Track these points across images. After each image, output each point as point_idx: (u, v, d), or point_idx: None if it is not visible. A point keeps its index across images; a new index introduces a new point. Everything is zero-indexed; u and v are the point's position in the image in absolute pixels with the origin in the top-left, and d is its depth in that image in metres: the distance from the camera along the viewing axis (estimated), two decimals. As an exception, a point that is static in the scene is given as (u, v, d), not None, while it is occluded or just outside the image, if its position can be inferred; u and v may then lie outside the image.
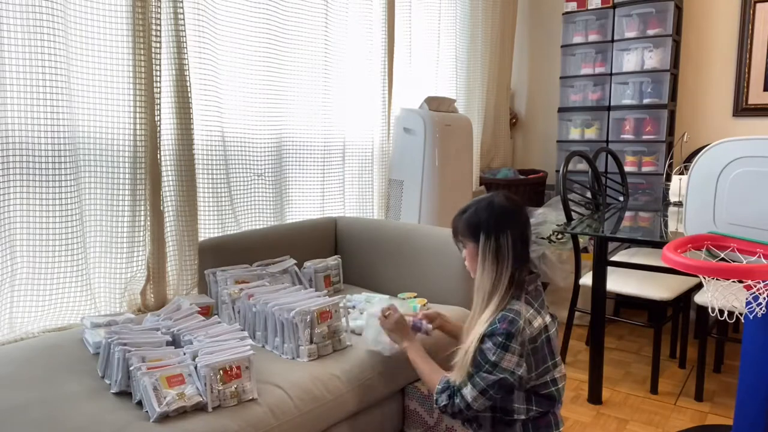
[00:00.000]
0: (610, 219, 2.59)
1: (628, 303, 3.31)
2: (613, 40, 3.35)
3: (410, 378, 1.78)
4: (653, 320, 2.44)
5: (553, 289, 3.33)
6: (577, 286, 2.73)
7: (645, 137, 3.30)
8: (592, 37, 3.43)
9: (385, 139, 2.84)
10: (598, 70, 3.44)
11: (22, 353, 1.50)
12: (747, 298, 1.44)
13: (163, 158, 1.87)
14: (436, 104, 2.92)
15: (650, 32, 3.22)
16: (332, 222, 2.52)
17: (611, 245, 2.51)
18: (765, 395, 1.62)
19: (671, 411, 2.25)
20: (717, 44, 3.29)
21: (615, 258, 2.54)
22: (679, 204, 2.73)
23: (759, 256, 1.44)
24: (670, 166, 3.20)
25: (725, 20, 3.25)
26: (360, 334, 1.77)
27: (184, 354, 1.38)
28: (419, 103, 2.91)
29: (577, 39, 3.50)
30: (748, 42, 3.16)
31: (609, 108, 3.40)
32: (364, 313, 1.71)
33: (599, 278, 2.28)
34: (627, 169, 3.30)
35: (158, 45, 1.79)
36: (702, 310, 2.25)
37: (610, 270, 2.43)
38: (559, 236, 2.90)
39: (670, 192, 2.84)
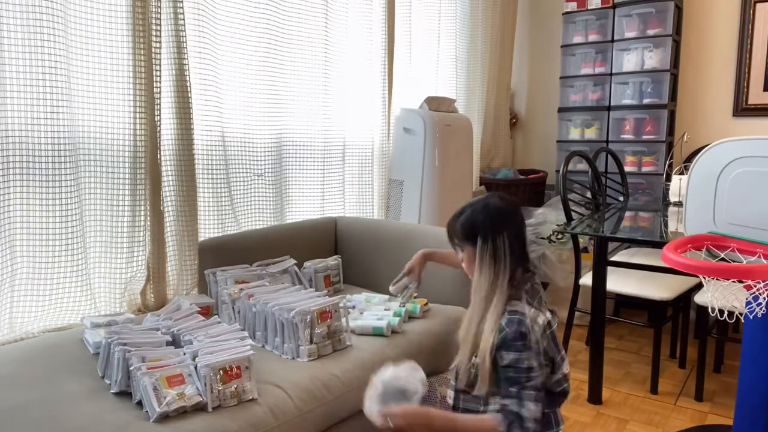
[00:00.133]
0: (610, 219, 2.59)
1: (628, 303, 3.31)
2: (613, 40, 3.35)
3: (410, 378, 1.78)
4: (653, 320, 2.44)
5: (553, 289, 3.33)
6: (577, 286, 2.73)
7: (645, 137, 3.30)
8: (592, 37, 3.43)
9: (385, 139, 2.84)
10: (598, 70, 3.44)
11: (22, 353, 1.50)
12: (747, 298, 1.44)
13: (163, 158, 1.87)
14: (436, 104, 2.92)
15: (650, 32, 3.22)
16: (332, 222, 2.52)
17: (611, 245, 2.51)
18: (765, 395, 1.62)
19: (671, 411, 2.25)
20: (717, 44, 3.29)
21: (615, 258, 2.54)
22: (679, 204, 2.73)
23: (759, 256, 1.44)
24: (670, 166, 3.20)
25: (725, 20, 3.25)
26: (360, 335, 1.77)
27: (184, 354, 1.38)
28: (419, 103, 2.91)
29: (577, 39, 3.50)
30: (748, 42, 3.16)
31: (609, 108, 3.40)
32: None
33: (599, 278, 2.28)
34: (627, 169, 3.30)
35: (158, 45, 1.79)
36: (702, 310, 2.25)
37: (610, 270, 2.43)
38: (559, 236, 2.89)
39: (670, 192, 2.84)
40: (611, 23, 3.35)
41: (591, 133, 3.51)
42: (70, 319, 1.75)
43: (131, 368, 1.30)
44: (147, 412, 1.25)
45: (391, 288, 1.83)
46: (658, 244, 2.24)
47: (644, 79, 3.28)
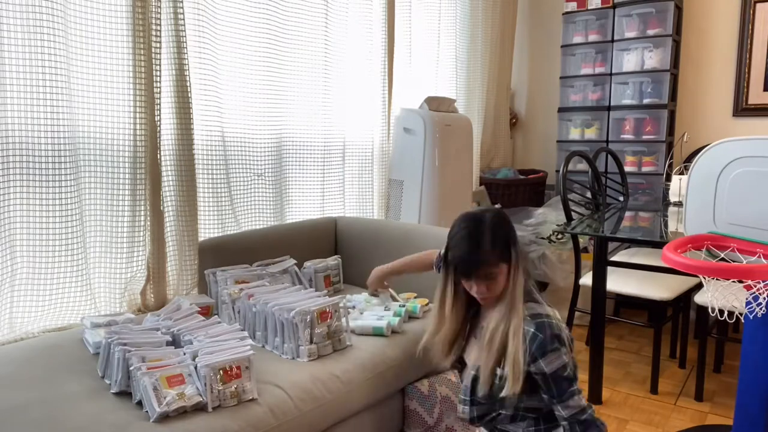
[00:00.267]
0: (610, 219, 2.59)
1: (628, 303, 3.31)
2: (613, 40, 3.35)
3: (410, 378, 1.78)
4: (653, 320, 2.44)
5: (553, 289, 3.33)
6: (577, 286, 2.73)
7: (645, 137, 3.30)
8: (592, 37, 3.43)
9: (385, 139, 2.84)
10: (598, 70, 3.44)
11: (22, 353, 1.50)
12: (747, 298, 1.44)
13: (163, 158, 1.87)
14: (436, 104, 2.92)
15: (650, 32, 3.22)
16: (332, 222, 2.52)
17: (611, 245, 2.51)
18: (765, 395, 1.62)
19: (671, 411, 2.25)
20: (717, 44, 3.29)
21: (615, 258, 2.54)
22: (679, 204, 2.73)
23: (759, 256, 1.44)
24: (670, 166, 3.20)
25: (725, 20, 3.25)
26: (360, 335, 1.77)
27: (184, 354, 1.38)
28: (419, 103, 2.91)
29: (577, 39, 3.50)
30: (748, 42, 3.16)
31: (609, 108, 3.40)
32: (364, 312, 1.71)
33: (599, 278, 2.28)
34: (627, 169, 3.30)
35: (158, 45, 1.79)
36: (702, 310, 2.25)
37: (610, 270, 2.43)
38: (559, 236, 2.90)
39: (670, 192, 2.84)
40: (611, 23, 3.35)
41: (591, 133, 3.51)
42: (70, 319, 1.75)
43: (131, 368, 1.30)
44: (147, 412, 1.25)
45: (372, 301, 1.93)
46: (658, 244, 2.24)
47: (644, 79, 3.28)
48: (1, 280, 1.58)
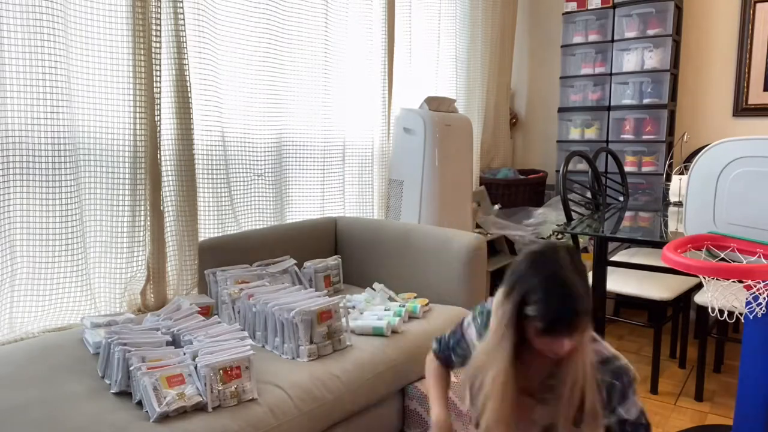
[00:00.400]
0: (610, 219, 2.58)
1: (628, 303, 3.31)
2: (613, 40, 3.35)
3: (410, 378, 1.78)
4: (653, 320, 2.44)
5: (553, 289, 3.32)
6: (577, 286, 2.72)
7: (645, 137, 3.30)
8: (592, 37, 3.43)
9: (385, 139, 2.84)
10: (598, 70, 3.44)
11: (22, 353, 1.50)
12: (747, 298, 1.44)
13: (163, 158, 1.87)
14: (436, 104, 2.92)
15: (650, 32, 3.22)
16: (332, 222, 2.52)
17: (611, 245, 2.51)
18: (765, 395, 1.62)
19: (671, 411, 2.25)
20: (717, 44, 3.29)
21: (615, 258, 2.54)
22: (679, 204, 2.73)
23: (759, 256, 1.44)
24: (670, 166, 3.20)
25: (725, 20, 3.25)
26: (360, 335, 1.77)
27: (184, 354, 1.38)
28: (419, 103, 2.91)
29: (577, 39, 3.50)
30: (748, 42, 3.16)
31: (609, 108, 3.40)
32: None
33: (599, 278, 2.28)
34: (627, 169, 3.30)
35: (158, 45, 1.79)
36: (702, 310, 2.25)
37: (610, 270, 2.43)
38: (559, 236, 2.90)
39: (670, 192, 2.84)
40: (611, 23, 3.35)
41: (591, 133, 3.51)
42: (70, 319, 1.75)
43: (131, 368, 1.30)
44: (147, 412, 1.25)
45: None
46: (658, 244, 2.23)
47: (644, 79, 3.28)
48: (1, 280, 1.58)
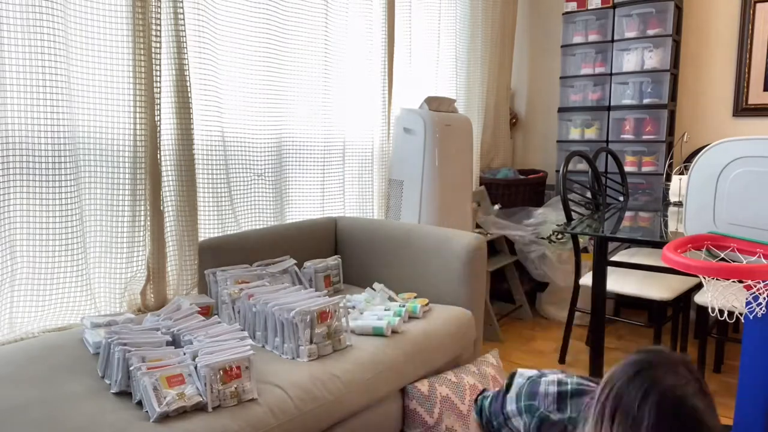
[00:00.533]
0: (610, 219, 2.58)
1: (628, 303, 3.31)
2: (613, 40, 3.35)
3: (410, 378, 1.78)
4: (653, 320, 2.44)
5: (553, 289, 3.33)
6: (577, 286, 2.73)
7: (645, 137, 3.30)
8: (592, 37, 3.43)
9: (385, 139, 2.84)
10: (598, 70, 3.44)
11: (22, 353, 1.50)
12: (747, 298, 1.44)
13: (163, 158, 1.87)
14: (436, 104, 2.92)
15: (650, 32, 3.22)
16: (332, 222, 2.52)
17: (611, 245, 2.51)
18: (765, 395, 1.62)
19: (671, 411, 2.25)
20: (717, 44, 3.29)
21: (615, 258, 2.54)
22: (679, 204, 2.73)
23: (759, 256, 1.44)
24: (670, 166, 3.20)
25: (725, 20, 3.25)
26: (360, 335, 1.77)
27: (184, 354, 1.38)
28: (419, 103, 2.91)
29: (577, 39, 3.50)
30: (748, 42, 3.16)
31: (609, 108, 3.40)
32: None
33: (599, 278, 2.27)
34: (627, 169, 3.30)
35: (158, 45, 1.79)
36: (702, 310, 2.25)
37: (610, 270, 2.43)
38: (559, 236, 2.90)
39: (670, 192, 2.83)
40: (611, 23, 3.35)
41: (591, 133, 3.51)
42: (70, 319, 1.75)
43: (131, 368, 1.30)
44: (147, 412, 1.25)
45: None
46: (658, 244, 2.23)
47: (644, 79, 3.28)
48: (1, 280, 1.58)
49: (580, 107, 3.52)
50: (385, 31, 2.75)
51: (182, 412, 1.26)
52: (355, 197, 2.80)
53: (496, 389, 1.27)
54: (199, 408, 1.29)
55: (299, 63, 2.42)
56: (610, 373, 0.88)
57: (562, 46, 3.57)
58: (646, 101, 3.28)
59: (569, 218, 2.61)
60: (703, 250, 1.55)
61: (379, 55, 2.75)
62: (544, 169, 3.82)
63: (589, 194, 2.96)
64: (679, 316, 2.71)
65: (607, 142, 3.42)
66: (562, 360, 2.75)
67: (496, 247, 3.38)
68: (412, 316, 1.94)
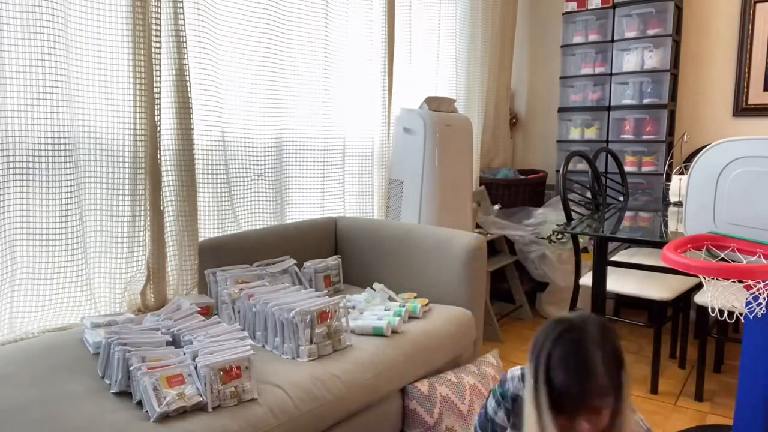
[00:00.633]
0: (610, 219, 2.58)
1: (628, 303, 3.31)
2: (613, 40, 3.35)
3: (410, 378, 1.78)
4: (653, 320, 2.44)
5: (553, 289, 3.33)
6: (577, 286, 2.73)
7: (645, 137, 3.30)
8: (592, 37, 3.43)
9: (385, 139, 2.84)
10: (598, 70, 3.44)
11: (22, 353, 1.50)
12: (747, 298, 1.44)
13: (163, 158, 1.87)
14: (436, 104, 2.92)
15: (650, 32, 3.22)
16: (332, 222, 2.52)
17: (611, 245, 2.51)
18: (765, 395, 1.62)
19: (671, 411, 2.25)
20: (717, 44, 3.29)
21: (615, 258, 2.54)
22: (679, 204, 2.73)
23: (759, 256, 1.44)
24: (670, 166, 3.20)
25: (725, 20, 3.25)
26: (360, 335, 1.77)
27: (184, 354, 1.38)
28: (419, 103, 2.91)
29: (577, 39, 3.50)
30: (748, 42, 3.16)
31: (609, 108, 3.40)
32: None
33: (599, 278, 2.28)
34: (627, 169, 3.30)
35: (158, 45, 1.79)
36: (702, 310, 2.25)
37: (610, 270, 2.43)
38: (559, 236, 2.90)
39: (670, 192, 2.84)
40: (611, 23, 3.35)
41: (591, 133, 3.51)
42: (70, 319, 1.75)
43: (131, 368, 1.30)
44: (147, 412, 1.25)
45: None
46: (658, 244, 2.23)
47: (644, 79, 3.28)
48: (1, 280, 1.58)
49: (580, 107, 3.52)
50: (385, 31, 2.75)
51: (182, 412, 1.26)
52: (355, 197, 2.80)
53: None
54: (199, 408, 1.29)
55: (299, 63, 2.42)
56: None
57: (562, 46, 3.57)
58: (646, 101, 3.28)
59: (569, 218, 2.61)
60: (703, 250, 1.55)
61: (379, 55, 2.75)
62: (544, 169, 3.82)
63: (589, 194, 2.96)
64: (679, 316, 2.71)
65: (607, 142, 3.42)
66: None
67: (496, 247, 3.38)
68: (412, 316, 1.94)
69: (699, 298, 2.27)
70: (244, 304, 1.75)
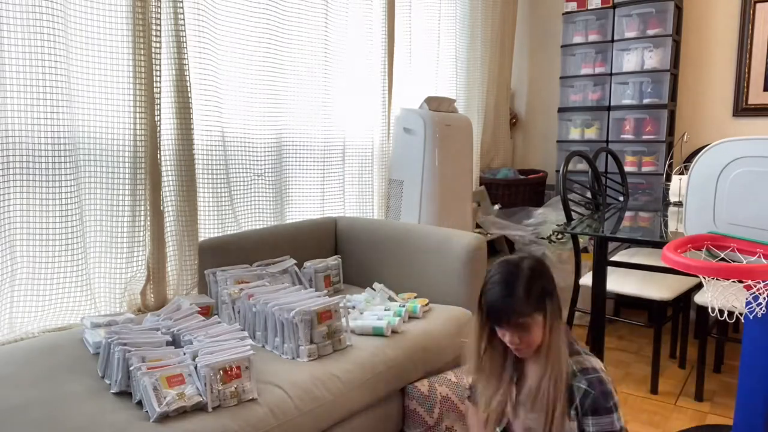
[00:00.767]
0: (610, 219, 2.58)
1: (628, 303, 3.31)
2: (613, 40, 3.35)
3: (410, 378, 1.78)
4: (653, 320, 2.44)
5: (553, 289, 3.32)
6: (577, 286, 2.73)
7: (645, 137, 3.30)
8: (592, 37, 3.43)
9: (385, 139, 2.84)
10: (598, 70, 3.44)
11: (22, 353, 1.50)
12: (747, 298, 1.44)
13: (163, 158, 1.87)
14: (436, 104, 2.92)
15: (650, 32, 3.22)
16: (332, 222, 2.52)
17: (611, 245, 2.51)
18: (765, 395, 1.62)
19: (671, 411, 2.25)
20: (717, 44, 3.29)
21: (615, 258, 2.54)
22: (679, 204, 2.73)
23: (759, 256, 1.44)
24: (670, 166, 3.20)
25: (725, 20, 3.25)
26: (360, 335, 1.77)
27: (184, 354, 1.38)
28: (419, 103, 2.91)
29: (577, 39, 3.50)
30: (748, 42, 3.16)
31: (609, 108, 3.40)
32: None
33: (599, 278, 2.27)
34: (627, 169, 3.30)
35: (158, 45, 1.79)
36: (702, 310, 2.25)
37: (610, 270, 2.42)
38: (559, 236, 2.90)
39: (670, 192, 2.83)
40: (611, 23, 3.35)
41: (591, 133, 3.51)
42: (70, 319, 1.75)
43: (131, 368, 1.30)
44: (147, 412, 1.25)
45: None
46: (658, 244, 2.23)
47: (644, 79, 3.28)
48: (1, 280, 1.58)
49: (580, 107, 3.52)
50: (385, 31, 2.75)
51: (182, 412, 1.26)
52: (355, 197, 2.80)
53: None
54: (199, 408, 1.29)
55: (299, 63, 2.42)
56: None
57: (562, 46, 3.57)
58: (646, 101, 3.28)
59: (569, 218, 2.61)
60: (703, 250, 1.55)
61: (379, 55, 2.75)
62: (544, 169, 3.83)
63: (589, 194, 2.96)
64: (679, 316, 2.71)
65: (607, 142, 3.42)
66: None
67: (496, 247, 3.37)
68: (412, 316, 1.94)
69: (699, 298, 2.27)
70: (244, 304, 1.75)
